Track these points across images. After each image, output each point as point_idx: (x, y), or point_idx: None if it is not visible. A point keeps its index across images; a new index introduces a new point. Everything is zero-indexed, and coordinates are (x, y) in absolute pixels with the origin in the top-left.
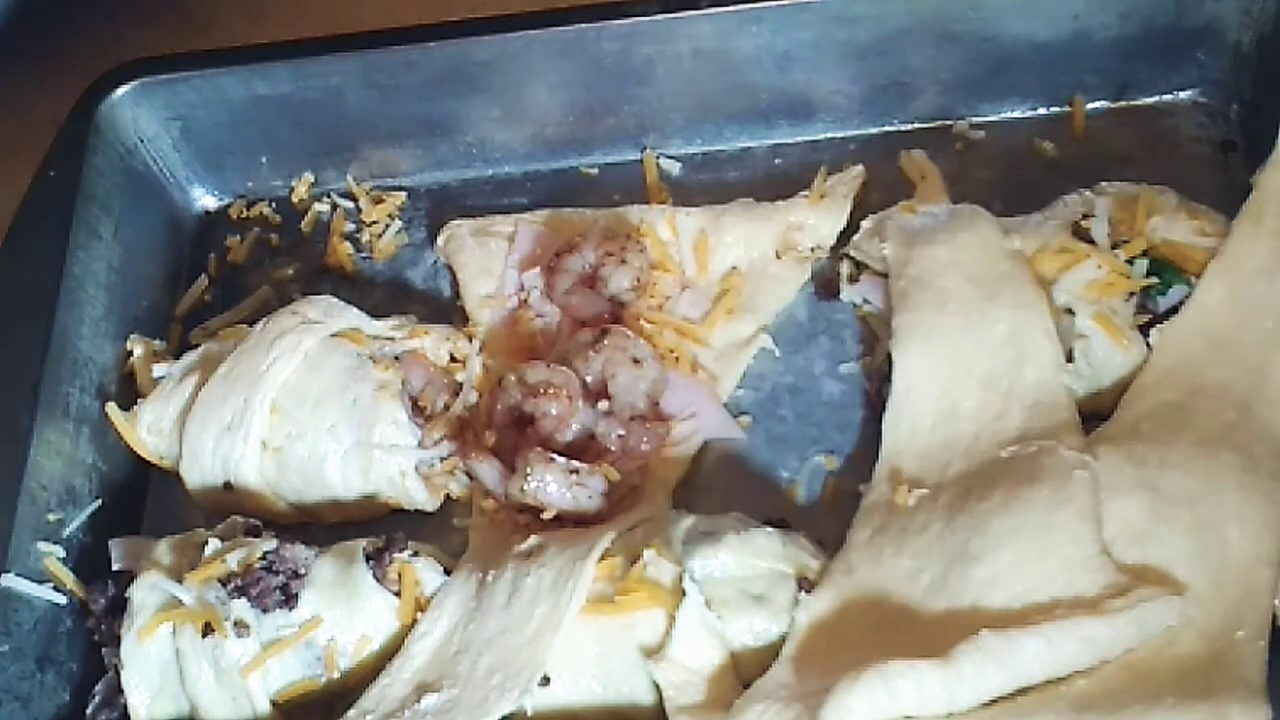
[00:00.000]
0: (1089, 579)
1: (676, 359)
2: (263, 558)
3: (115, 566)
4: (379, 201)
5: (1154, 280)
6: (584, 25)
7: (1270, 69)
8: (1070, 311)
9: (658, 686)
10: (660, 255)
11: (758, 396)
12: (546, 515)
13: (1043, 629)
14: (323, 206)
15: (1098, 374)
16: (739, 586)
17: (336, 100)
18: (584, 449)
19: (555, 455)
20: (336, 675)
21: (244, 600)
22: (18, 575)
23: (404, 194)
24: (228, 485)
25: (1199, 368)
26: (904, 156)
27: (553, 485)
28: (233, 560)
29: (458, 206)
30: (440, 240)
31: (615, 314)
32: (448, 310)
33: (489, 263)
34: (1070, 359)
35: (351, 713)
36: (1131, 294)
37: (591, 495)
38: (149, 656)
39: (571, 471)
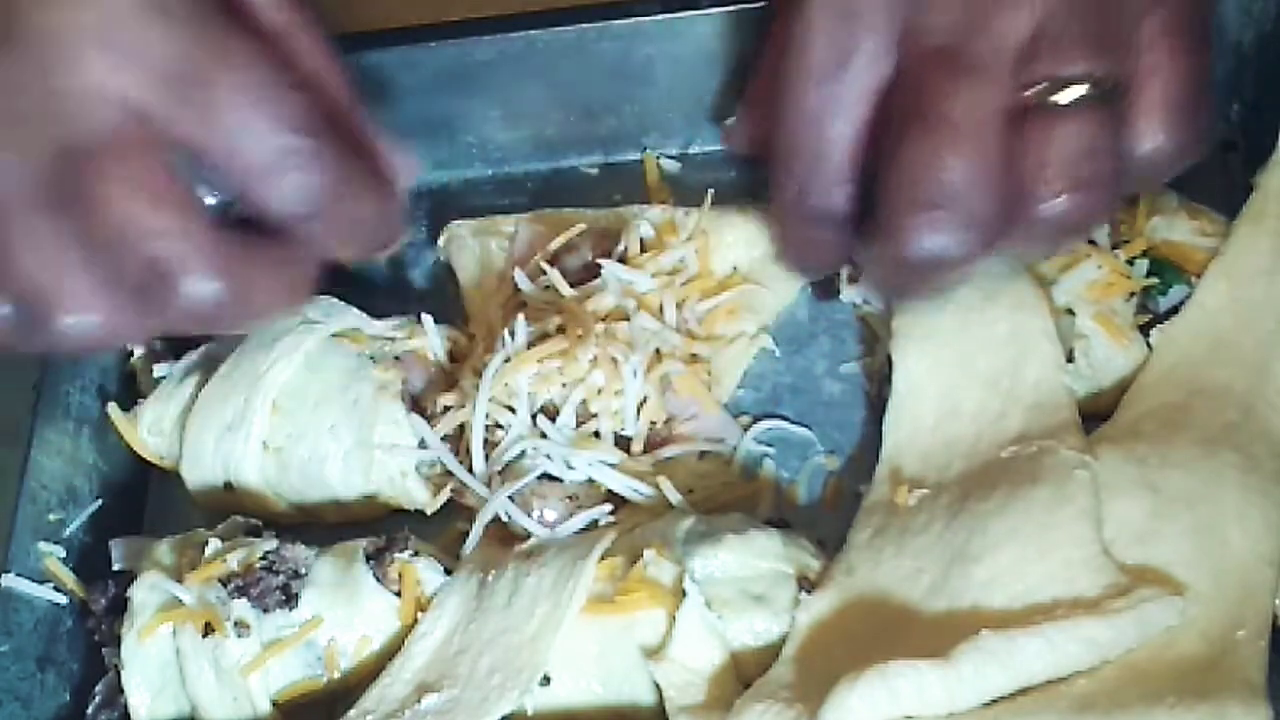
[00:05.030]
0: (1089, 579)
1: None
2: (263, 558)
3: (115, 566)
4: None
5: (1154, 280)
6: (584, 25)
7: (1270, 69)
8: (1070, 311)
9: (658, 687)
10: None
11: (758, 396)
12: None
13: (1043, 629)
14: None
15: (1098, 374)
16: (739, 586)
17: None
18: None
19: None
20: (337, 675)
21: (244, 600)
22: (18, 575)
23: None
24: (228, 485)
25: (1199, 368)
26: None
27: None
28: (233, 560)
29: (458, 206)
30: (441, 240)
31: None
32: (449, 310)
33: (490, 263)
34: (1070, 359)
35: (352, 713)
36: (1132, 294)
37: None
38: (149, 656)
39: None
